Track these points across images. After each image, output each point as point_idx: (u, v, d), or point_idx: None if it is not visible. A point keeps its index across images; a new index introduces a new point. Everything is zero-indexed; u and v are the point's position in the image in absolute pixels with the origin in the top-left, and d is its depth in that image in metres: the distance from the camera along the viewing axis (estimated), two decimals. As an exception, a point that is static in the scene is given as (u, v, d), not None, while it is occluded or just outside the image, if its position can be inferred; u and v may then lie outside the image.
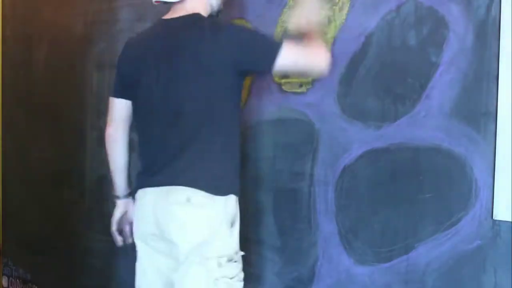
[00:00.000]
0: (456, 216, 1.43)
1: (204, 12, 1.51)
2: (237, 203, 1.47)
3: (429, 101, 1.47)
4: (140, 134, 1.55)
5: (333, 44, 1.64)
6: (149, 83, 1.47)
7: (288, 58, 1.39)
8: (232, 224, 1.45)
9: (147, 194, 1.48)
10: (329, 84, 1.65)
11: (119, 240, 1.69)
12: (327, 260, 1.67)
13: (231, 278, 1.42)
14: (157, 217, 1.44)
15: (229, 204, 1.44)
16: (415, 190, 1.49)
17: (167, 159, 1.44)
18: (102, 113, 2.28)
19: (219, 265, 1.40)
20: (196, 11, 1.48)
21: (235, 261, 1.45)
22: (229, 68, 1.40)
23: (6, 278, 2.77)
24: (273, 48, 1.39)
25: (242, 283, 1.47)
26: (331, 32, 1.64)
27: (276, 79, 1.75)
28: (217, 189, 1.41)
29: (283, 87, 1.74)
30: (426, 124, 1.48)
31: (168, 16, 1.53)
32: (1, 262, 2.79)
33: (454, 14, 1.43)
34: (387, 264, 1.55)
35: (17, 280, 2.70)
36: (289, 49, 1.39)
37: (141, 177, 1.53)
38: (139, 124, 1.56)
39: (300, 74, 1.55)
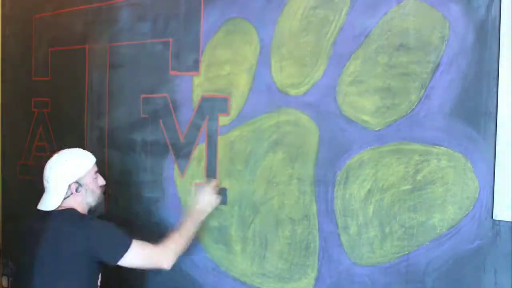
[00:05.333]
0: (456, 216, 1.43)
1: (81, 208, 1.79)
2: None
3: (429, 101, 1.47)
4: None
5: (333, 44, 1.64)
6: (26, 262, 1.74)
7: (134, 257, 1.70)
8: None
9: None
10: (329, 84, 1.65)
11: None
12: (327, 260, 1.67)
13: None
14: None
15: None
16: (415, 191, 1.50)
17: None
18: (102, 113, 2.28)
19: None
20: (72, 206, 1.77)
21: None
22: (81, 256, 1.67)
23: (6, 278, 2.77)
24: (121, 246, 1.69)
25: None
26: (331, 32, 1.64)
27: (276, 79, 1.75)
28: None
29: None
30: (426, 124, 1.48)
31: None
32: (1, 262, 2.79)
33: (454, 14, 1.43)
34: (387, 264, 1.55)
35: (17, 280, 2.70)
36: (137, 251, 1.70)
37: None
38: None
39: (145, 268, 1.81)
